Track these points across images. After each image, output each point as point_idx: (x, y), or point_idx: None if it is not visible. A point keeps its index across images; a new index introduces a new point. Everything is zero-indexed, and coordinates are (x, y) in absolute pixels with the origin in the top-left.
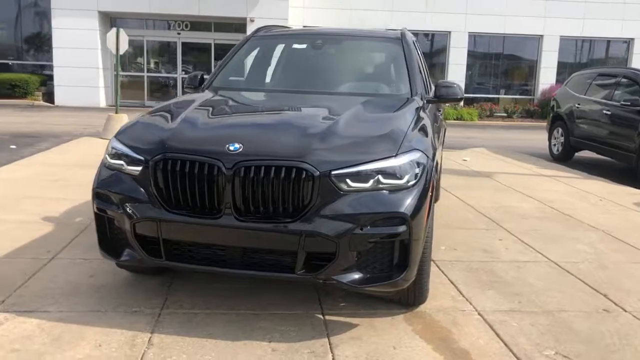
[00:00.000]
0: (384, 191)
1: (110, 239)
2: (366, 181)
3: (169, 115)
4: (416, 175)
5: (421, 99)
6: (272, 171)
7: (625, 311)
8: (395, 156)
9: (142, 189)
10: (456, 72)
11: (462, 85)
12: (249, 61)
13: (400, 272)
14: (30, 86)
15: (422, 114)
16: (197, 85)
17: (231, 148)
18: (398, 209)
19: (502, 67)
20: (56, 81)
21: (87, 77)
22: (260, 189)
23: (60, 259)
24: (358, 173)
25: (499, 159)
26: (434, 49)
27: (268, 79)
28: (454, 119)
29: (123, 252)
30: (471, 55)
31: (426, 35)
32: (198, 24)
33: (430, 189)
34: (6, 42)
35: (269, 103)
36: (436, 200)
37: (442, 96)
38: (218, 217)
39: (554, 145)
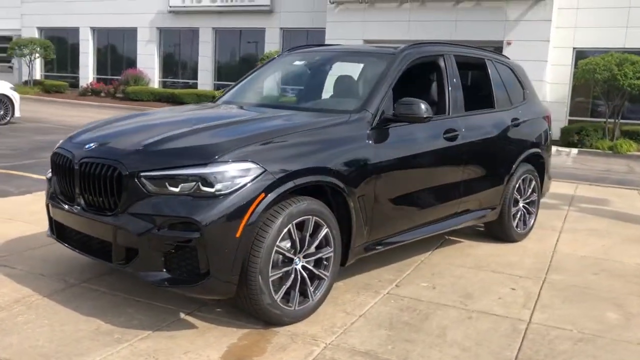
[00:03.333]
0: (189, 197)
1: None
2: (174, 185)
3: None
4: (236, 185)
5: (374, 116)
6: (98, 168)
7: None
8: (206, 164)
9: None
10: None
11: None
12: (269, 79)
13: (203, 278)
14: None
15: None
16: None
17: (86, 147)
18: (192, 215)
19: None
20: None
21: None
22: (91, 183)
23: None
24: (165, 177)
25: None
26: None
27: (246, 93)
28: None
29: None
30: None
31: None
32: None
33: (255, 202)
34: None
35: (192, 114)
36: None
37: (400, 115)
38: (73, 205)
39: None
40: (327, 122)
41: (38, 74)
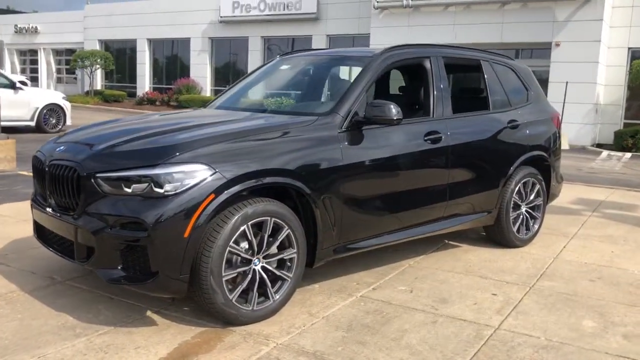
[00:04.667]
0: (141, 197)
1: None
2: (128, 186)
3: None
4: (185, 186)
5: (345, 119)
6: (62, 170)
7: None
8: (156, 166)
9: None
10: None
11: None
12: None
13: (153, 276)
14: None
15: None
16: None
17: (57, 149)
18: (139, 215)
19: None
20: None
21: None
22: (57, 184)
23: None
24: (119, 178)
25: None
26: None
27: (234, 97)
28: None
29: None
30: None
31: None
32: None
33: (204, 203)
34: None
35: (166, 118)
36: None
37: (370, 117)
38: (46, 206)
39: None
40: (289, 125)
41: (99, 85)
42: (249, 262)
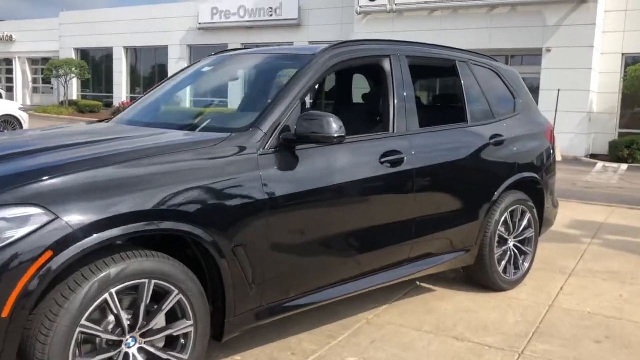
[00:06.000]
0: None
1: None
2: None
3: None
4: (5, 241)
5: (269, 136)
6: None
7: None
8: None
9: None
10: None
11: None
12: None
13: None
14: None
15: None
16: None
17: None
18: None
19: None
20: None
21: None
22: None
23: None
24: None
25: None
26: None
27: (142, 109)
28: None
29: None
30: None
31: None
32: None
33: (36, 264)
34: None
35: (31, 139)
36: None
37: (304, 135)
38: None
39: None
40: (185, 146)
41: (75, 95)
42: (118, 344)
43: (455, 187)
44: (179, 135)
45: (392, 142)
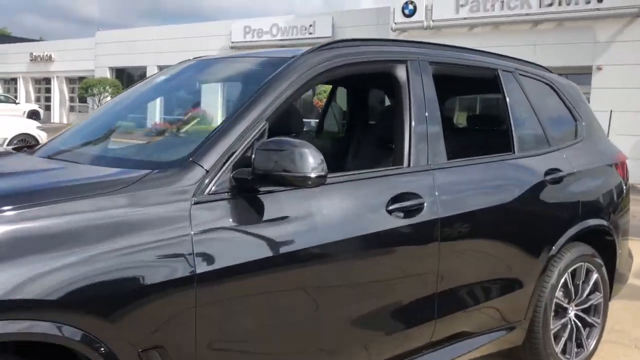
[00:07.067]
0: None
1: None
2: None
3: None
4: None
5: (213, 175)
6: None
7: None
8: None
9: None
10: None
11: None
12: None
13: None
14: None
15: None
16: None
17: None
18: None
19: None
20: None
21: None
22: None
23: None
24: None
25: None
26: None
27: (73, 133)
28: None
29: None
30: None
31: None
32: None
33: None
34: None
35: None
36: None
37: (263, 173)
38: None
39: None
40: (77, 188)
41: None
42: None
43: (496, 242)
44: (80, 172)
45: (406, 181)
